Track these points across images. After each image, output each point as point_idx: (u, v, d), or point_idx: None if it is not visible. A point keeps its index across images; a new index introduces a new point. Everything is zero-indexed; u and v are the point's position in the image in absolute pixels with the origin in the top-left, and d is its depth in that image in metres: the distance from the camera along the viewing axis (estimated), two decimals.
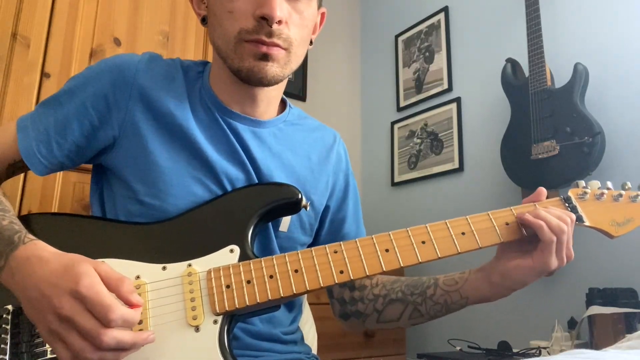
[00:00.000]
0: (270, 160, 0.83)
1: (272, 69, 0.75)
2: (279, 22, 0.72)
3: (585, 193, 0.80)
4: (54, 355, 0.61)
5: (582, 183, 0.82)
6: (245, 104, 0.83)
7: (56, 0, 1.47)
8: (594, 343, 1.41)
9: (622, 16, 1.76)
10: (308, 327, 1.16)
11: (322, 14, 0.88)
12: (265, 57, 0.74)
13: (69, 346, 0.55)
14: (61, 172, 1.41)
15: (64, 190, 1.42)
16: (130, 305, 0.58)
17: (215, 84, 0.83)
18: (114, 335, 0.55)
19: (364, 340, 2.00)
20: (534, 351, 1.58)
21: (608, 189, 0.81)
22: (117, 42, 1.56)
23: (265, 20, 0.71)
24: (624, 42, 1.74)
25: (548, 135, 1.70)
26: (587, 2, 1.86)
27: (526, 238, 0.75)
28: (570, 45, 1.87)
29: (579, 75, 1.69)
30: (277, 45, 0.74)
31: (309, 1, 0.77)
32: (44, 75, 1.42)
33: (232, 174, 0.79)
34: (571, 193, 0.81)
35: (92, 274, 0.57)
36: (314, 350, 1.09)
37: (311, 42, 0.84)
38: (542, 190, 0.81)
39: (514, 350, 1.67)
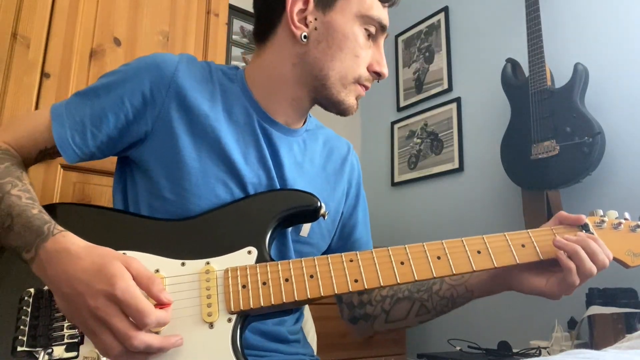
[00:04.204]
0: (294, 168, 0.86)
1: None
2: None
3: (603, 222, 0.81)
4: (72, 341, 0.65)
5: (600, 212, 0.82)
6: (293, 117, 0.88)
7: (56, 0, 1.47)
8: (594, 343, 1.41)
9: (622, 16, 1.76)
10: (308, 327, 1.16)
11: None
12: (357, 99, 0.86)
13: (102, 342, 0.59)
14: (61, 172, 1.41)
15: (64, 190, 1.42)
16: (161, 303, 0.61)
17: (257, 92, 0.86)
18: (143, 340, 0.58)
19: (364, 340, 2.00)
20: (534, 351, 1.58)
21: (625, 219, 0.82)
22: (117, 42, 1.56)
23: (377, 75, 0.85)
24: (624, 42, 1.74)
25: (548, 135, 1.70)
26: (587, 2, 1.86)
27: (542, 262, 0.76)
28: (570, 45, 1.87)
29: (579, 75, 1.69)
30: None
31: None
32: (44, 75, 1.42)
33: (255, 179, 0.81)
34: (589, 220, 0.81)
35: (125, 275, 0.60)
36: (314, 351, 1.09)
37: None
38: (563, 214, 0.80)
39: (514, 350, 1.67)
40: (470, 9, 2.31)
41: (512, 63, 1.92)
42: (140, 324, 0.59)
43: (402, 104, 2.59)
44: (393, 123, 2.62)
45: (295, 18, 0.82)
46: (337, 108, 0.85)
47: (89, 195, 1.44)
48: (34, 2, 1.43)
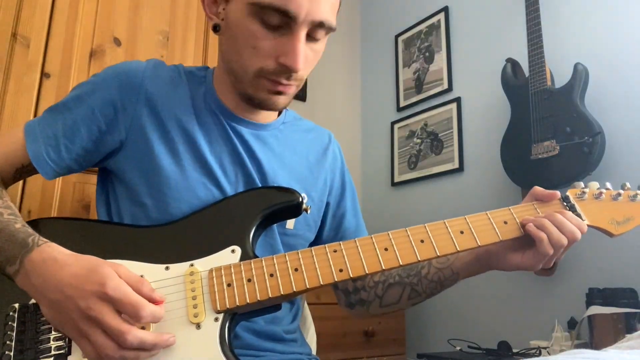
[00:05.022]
0: (273, 161, 0.86)
1: (284, 100, 0.79)
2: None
3: (584, 193, 0.80)
4: (59, 352, 0.64)
5: (581, 184, 0.82)
6: (251, 111, 0.86)
7: (56, 0, 1.47)
8: (594, 343, 1.41)
9: (622, 16, 1.76)
10: (307, 327, 1.16)
11: None
12: (279, 93, 0.78)
13: (93, 344, 0.58)
14: None
15: (64, 190, 1.42)
16: (154, 302, 0.62)
17: (221, 90, 0.85)
18: (137, 335, 0.58)
19: (364, 340, 2.00)
20: (534, 351, 1.58)
21: (607, 189, 0.82)
22: (117, 42, 1.56)
23: (286, 68, 0.73)
24: (624, 42, 1.74)
25: (548, 135, 1.70)
26: (587, 2, 1.86)
27: (525, 240, 0.76)
28: (570, 45, 1.87)
29: (579, 75, 1.69)
30: (291, 85, 0.78)
31: (325, 39, 0.79)
32: (44, 75, 1.42)
33: (234, 178, 0.82)
34: (570, 193, 0.81)
35: (115, 275, 0.60)
36: (314, 351, 1.09)
37: None
38: (538, 190, 0.81)
39: (514, 350, 1.67)
40: (470, 9, 2.31)
41: (512, 63, 1.91)
42: (135, 317, 0.59)
43: (402, 104, 2.58)
44: (393, 123, 2.61)
45: (208, 9, 0.80)
46: (253, 104, 0.80)
47: (89, 195, 1.44)
48: (34, 2, 1.43)
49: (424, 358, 1.76)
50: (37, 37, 1.42)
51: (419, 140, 2.44)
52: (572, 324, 1.57)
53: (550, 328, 1.59)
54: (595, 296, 1.47)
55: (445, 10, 2.41)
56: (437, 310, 2.15)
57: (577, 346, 1.45)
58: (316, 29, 0.73)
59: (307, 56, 0.75)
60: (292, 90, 0.79)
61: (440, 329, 2.14)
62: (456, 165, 2.22)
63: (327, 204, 0.95)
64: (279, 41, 0.72)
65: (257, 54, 0.74)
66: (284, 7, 0.69)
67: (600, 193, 0.80)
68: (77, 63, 1.48)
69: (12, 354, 0.63)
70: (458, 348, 1.81)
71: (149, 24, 1.64)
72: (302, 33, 0.72)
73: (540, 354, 1.54)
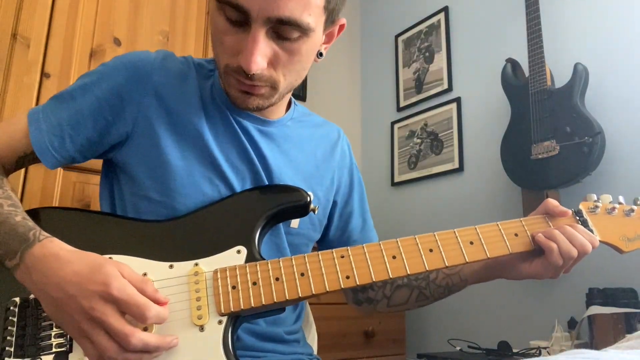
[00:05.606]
0: (279, 158, 0.84)
1: (256, 101, 0.75)
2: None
3: (597, 207, 0.79)
4: (60, 349, 0.63)
5: (594, 197, 0.81)
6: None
7: (56, 0, 1.47)
8: (594, 343, 1.41)
9: (622, 16, 1.76)
10: (308, 327, 1.16)
11: (341, 26, 0.84)
12: (248, 93, 0.74)
13: (96, 345, 0.57)
14: (61, 172, 1.41)
15: (64, 190, 1.42)
16: (158, 302, 0.61)
17: None
18: (141, 338, 0.58)
19: (364, 340, 2.00)
20: (534, 351, 1.58)
21: (620, 203, 0.81)
22: (117, 42, 1.56)
23: (241, 67, 0.70)
24: (624, 42, 1.74)
25: (548, 135, 1.70)
26: (587, 2, 1.86)
27: (534, 250, 0.76)
28: (570, 45, 1.87)
29: (579, 75, 1.69)
30: (259, 86, 0.73)
31: (305, 38, 0.71)
32: (44, 75, 1.42)
33: (240, 174, 0.80)
34: (582, 206, 0.80)
35: (119, 275, 0.59)
36: (315, 351, 1.09)
37: (321, 54, 0.81)
38: (550, 204, 0.79)
39: (514, 350, 1.67)
40: (470, 9, 2.31)
41: (512, 63, 1.91)
42: (141, 319, 0.58)
43: (402, 104, 2.58)
44: (393, 123, 2.62)
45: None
46: (230, 100, 0.77)
47: (89, 195, 1.44)
48: (34, 2, 1.43)
49: (424, 358, 1.76)
50: (37, 37, 1.42)
51: (419, 140, 2.44)
52: (572, 324, 1.57)
53: (550, 328, 1.59)
54: (595, 296, 1.47)
55: (445, 10, 2.41)
56: (437, 310, 2.15)
57: (577, 346, 1.45)
58: (282, 26, 0.67)
59: (277, 56, 0.70)
60: (263, 91, 0.74)
61: (440, 329, 2.14)
62: (456, 165, 2.22)
63: (334, 203, 0.94)
64: (239, 37, 0.69)
65: (224, 50, 0.72)
66: (236, 1, 0.66)
67: (613, 208, 0.79)
68: (77, 63, 1.48)
69: (12, 349, 0.62)
70: (458, 348, 1.81)
71: (149, 24, 1.64)
72: (260, 31, 0.67)
73: (540, 354, 1.54)
